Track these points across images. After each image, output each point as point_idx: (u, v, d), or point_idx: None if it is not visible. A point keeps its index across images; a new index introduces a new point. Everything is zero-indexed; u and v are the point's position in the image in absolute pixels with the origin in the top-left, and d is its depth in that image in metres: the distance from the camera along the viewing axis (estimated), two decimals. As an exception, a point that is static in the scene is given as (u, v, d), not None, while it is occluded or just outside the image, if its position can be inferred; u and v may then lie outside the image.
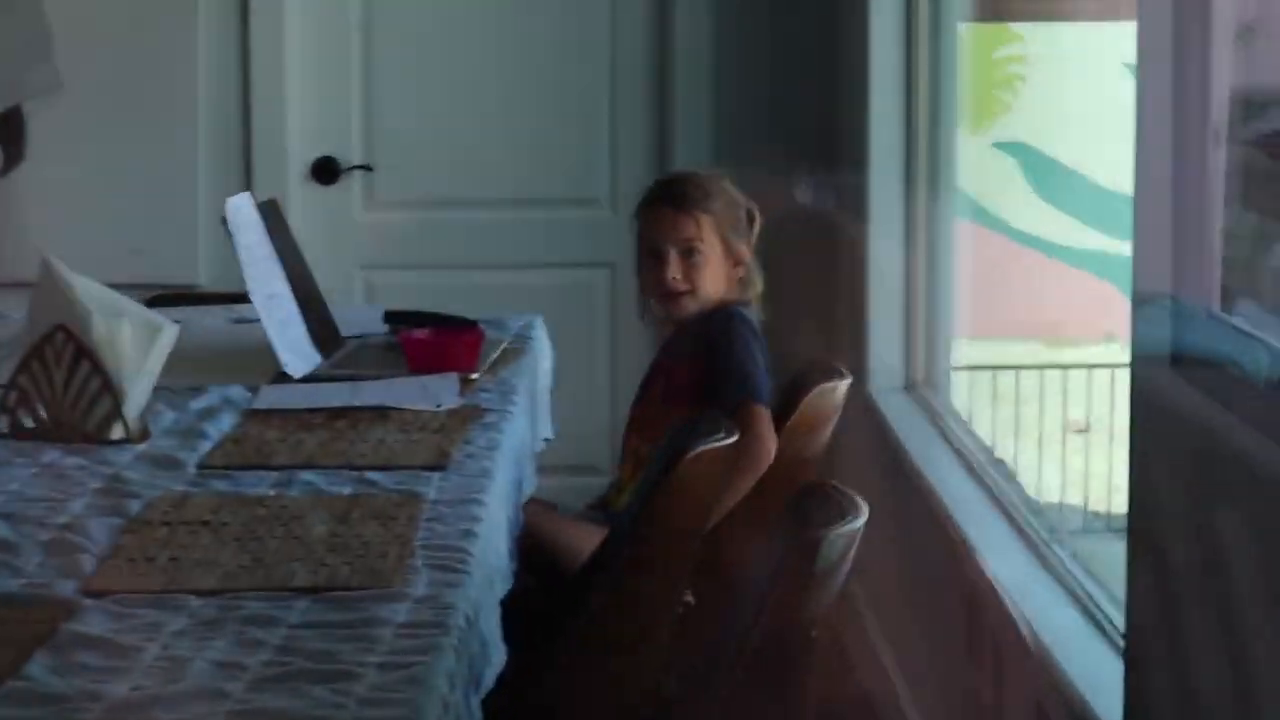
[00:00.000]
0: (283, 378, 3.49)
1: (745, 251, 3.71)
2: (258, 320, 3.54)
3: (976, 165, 4.88)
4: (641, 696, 2.98)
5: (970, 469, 3.92)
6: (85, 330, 3.05)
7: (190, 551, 2.46)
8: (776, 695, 2.45)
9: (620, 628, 2.95)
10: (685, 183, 3.76)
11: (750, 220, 3.74)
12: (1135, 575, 2.20)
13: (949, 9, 4.54)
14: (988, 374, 5.65)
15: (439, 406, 3.28)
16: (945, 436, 4.20)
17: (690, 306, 3.67)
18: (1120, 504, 2.31)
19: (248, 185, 5.12)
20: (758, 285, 3.73)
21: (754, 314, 3.69)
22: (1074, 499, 5.25)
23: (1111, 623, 2.81)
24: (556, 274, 5.48)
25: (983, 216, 5.16)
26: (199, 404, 3.31)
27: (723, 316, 3.64)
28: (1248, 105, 2.10)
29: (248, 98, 5.34)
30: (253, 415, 3.24)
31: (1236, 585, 1.83)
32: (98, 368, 3.04)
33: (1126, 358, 2.32)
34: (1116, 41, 3.22)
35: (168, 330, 3.15)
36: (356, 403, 3.30)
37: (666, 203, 3.70)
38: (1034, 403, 5.86)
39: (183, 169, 5.32)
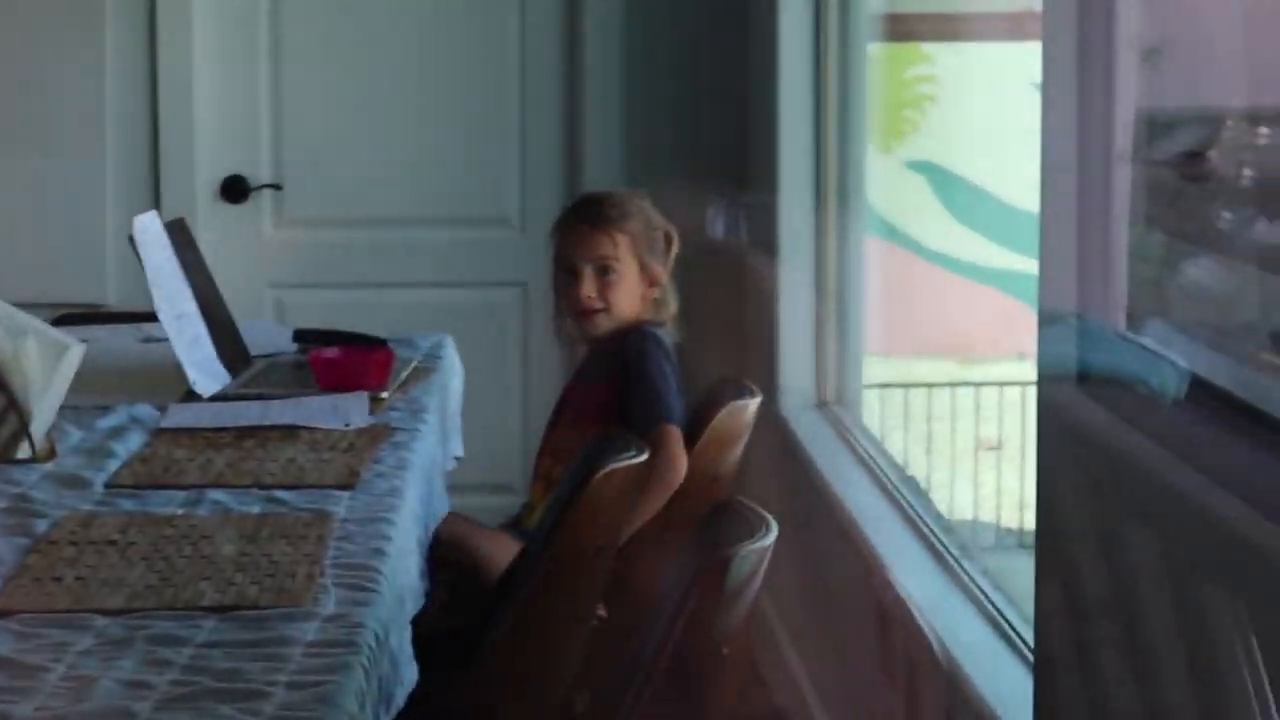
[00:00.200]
0: (191, 397, 3.47)
1: (661, 273, 3.73)
2: (166, 339, 3.52)
3: (887, 184, 4.91)
4: (552, 713, 2.98)
5: (882, 486, 3.94)
6: (-10, 349, 3.02)
7: (97, 571, 2.45)
8: (687, 712, 2.45)
9: (532, 644, 2.95)
10: (602, 202, 3.78)
11: (668, 242, 3.76)
12: (1043, 591, 2.22)
13: (858, 29, 4.57)
14: (900, 392, 5.69)
15: (348, 425, 3.28)
16: (857, 454, 4.22)
17: (604, 325, 3.68)
18: (1032, 520, 2.32)
19: (156, 204, 5.10)
20: (672, 306, 3.75)
21: (668, 335, 3.70)
22: (986, 516, 5.29)
23: (1021, 638, 2.83)
24: (467, 293, 5.48)
25: (894, 235, 5.19)
26: (107, 423, 3.29)
27: (636, 337, 3.65)
28: (1154, 125, 2.13)
29: (156, 116, 5.32)
30: (161, 434, 3.23)
31: (1143, 600, 1.85)
32: (3, 386, 3.02)
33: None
34: (1024, 61, 3.25)
35: (74, 349, 3.13)
36: (266, 422, 3.29)
37: (583, 220, 3.72)
38: (946, 420, 5.90)
39: (91, 188, 5.29)
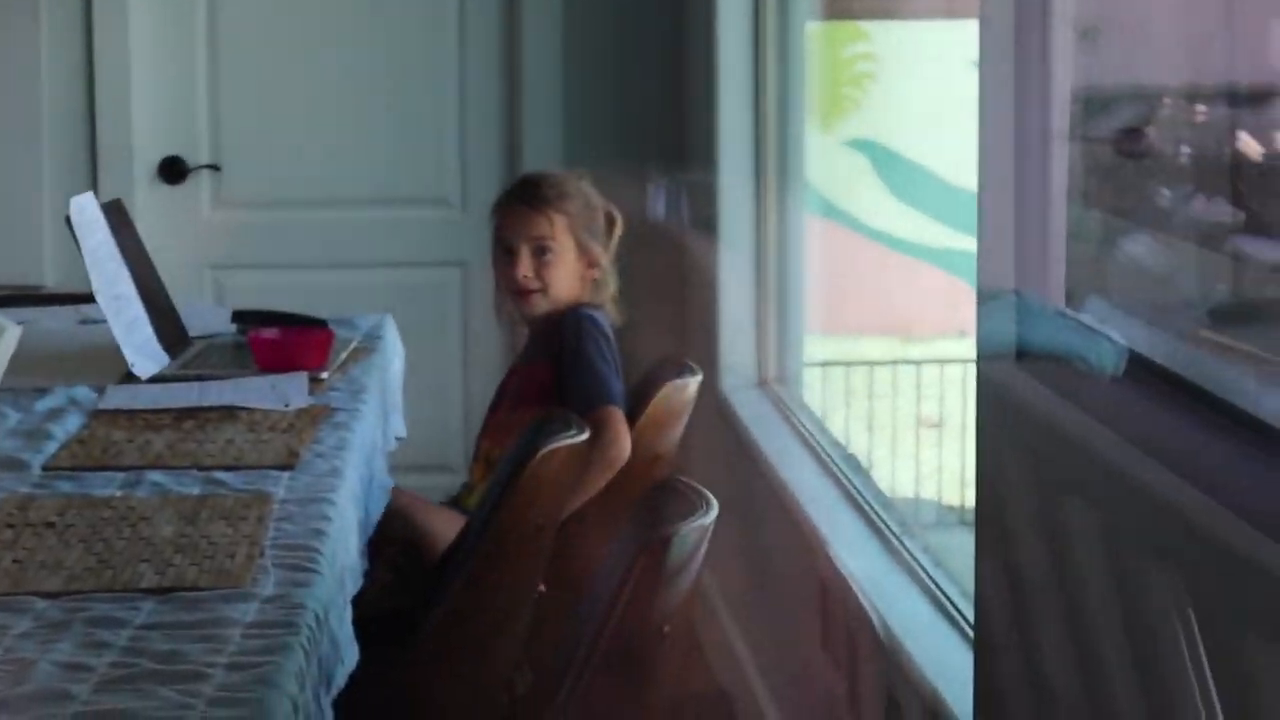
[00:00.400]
0: (130, 378, 3.46)
1: (600, 254, 3.72)
2: (104, 321, 3.51)
3: (827, 162, 4.92)
4: (494, 692, 2.98)
5: (823, 464, 3.95)
6: (-75, 331, 3.01)
7: (35, 554, 2.44)
8: (630, 692, 2.46)
9: (472, 623, 2.96)
10: (540, 183, 3.77)
11: (610, 223, 3.76)
12: (983, 566, 2.23)
13: (796, 8, 4.57)
14: (841, 370, 5.70)
15: (288, 406, 3.27)
16: (798, 432, 4.23)
17: (541, 305, 3.68)
18: (972, 497, 2.33)
19: (93, 185, 5.07)
20: (611, 287, 3.74)
21: (605, 317, 3.70)
22: (927, 493, 5.30)
23: (961, 614, 2.85)
24: (407, 273, 5.47)
25: (834, 213, 5.20)
26: (44, 405, 3.27)
27: (573, 319, 3.64)
28: (1091, 103, 2.14)
29: (92, 98, 5.29)
30: (99, 416, 3.21)
31: (1081, 575, 1.86)
32: (-61, 369, 3.01)
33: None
34: (962, 39, 3.26)
35: (11, 330, 3.11)
36: (205, 402, 3.27)
37: (521, 200, 3.71)
38: (888, 398, 5.92)
39: (27, 170, 5.26)
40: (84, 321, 3.94)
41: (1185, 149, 1.95)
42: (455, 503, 3.71)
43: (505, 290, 3.73)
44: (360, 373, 3.58)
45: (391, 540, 3.39)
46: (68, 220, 3.52)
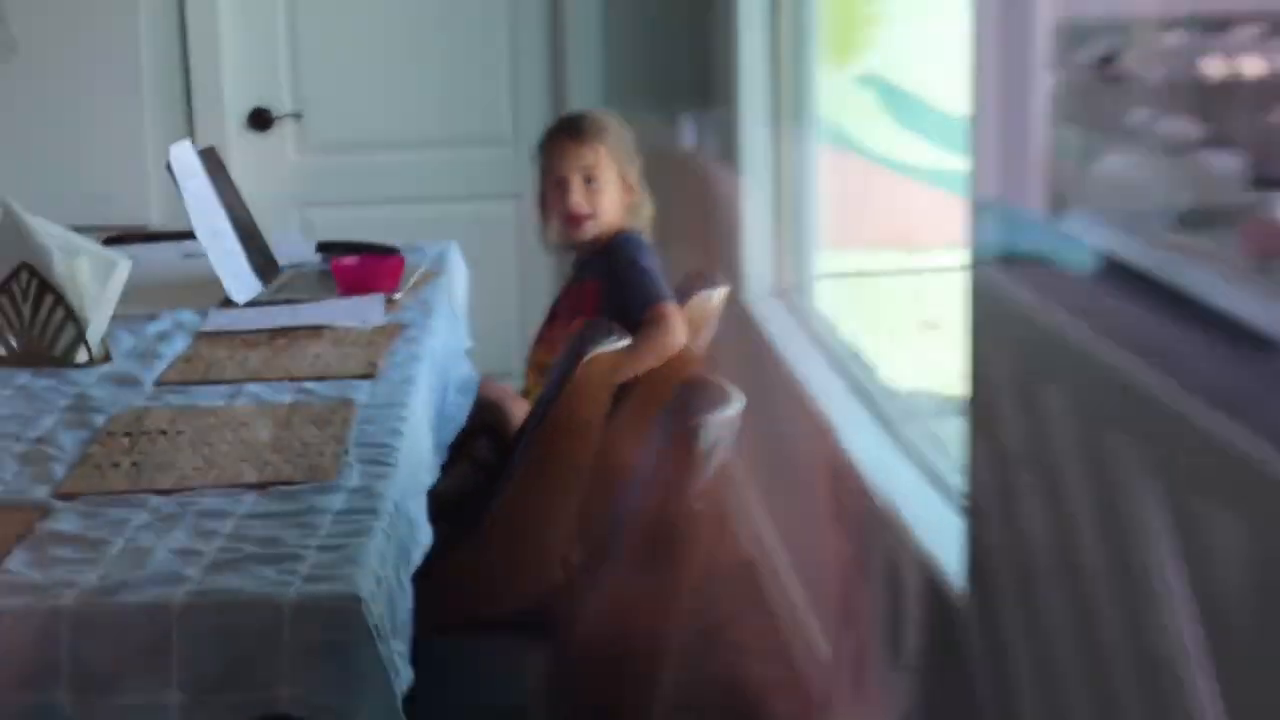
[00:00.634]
0: (228, 304, 3.48)
1: (636, 180, 3.72)
2: (204, 254, 3.52)
3: (839, 96, 4.89)
4: (552, 565, 3.00)
5: (834, 363, 3.95)
6: (47, 267, 3.03)
7: (150, 457, 2.47)
8: (667, 561, 2.47)
9: (532, 504, 2.98)
10: (583, 119, 3.76)
11: (637, 153, 3.75)
12: (974, 446, 2.24)
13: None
14: (849, 280, 5.68)
15: (366, 324, 3.29)
16: (812, 335, 4.23)
17: (591, 230, 3.67)
18: (965, 389, 2.33)
19: (190, 135, 5.08)
20: (648, 210, 3.74)
21: (645, 238, 3.70)
22: (927, 387, 5.29)
23: (955, 489, 2.85)
24: (469, 206, 5.47)
25: (844, 142, 5.17)
26: (154, 329, 3.29)
27: (620, 240, 3.64)
28: (1073, 33, 2.12)
29: (186, 58, 5.29)
30: (202, 337, 3.24)
31: (1059, 449, 1.87)
32: (61, 300, 3.02)
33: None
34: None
35: (122, 265, 3.13)
36: (294, 323, 3.29)
37: (568, 136, 3.70)
38: (891, 304, 5.89)
39: (131, 123, 5.27)
40: (187, 255, 3.96)
41: (1156, 73, 1.93)
42: (520, 400, 3.73)
43: (558, 218, 3.70)
44: (429, 293, 3.60)
45: (486, 425, 3.42)
46: (168, 166, 3.53)
